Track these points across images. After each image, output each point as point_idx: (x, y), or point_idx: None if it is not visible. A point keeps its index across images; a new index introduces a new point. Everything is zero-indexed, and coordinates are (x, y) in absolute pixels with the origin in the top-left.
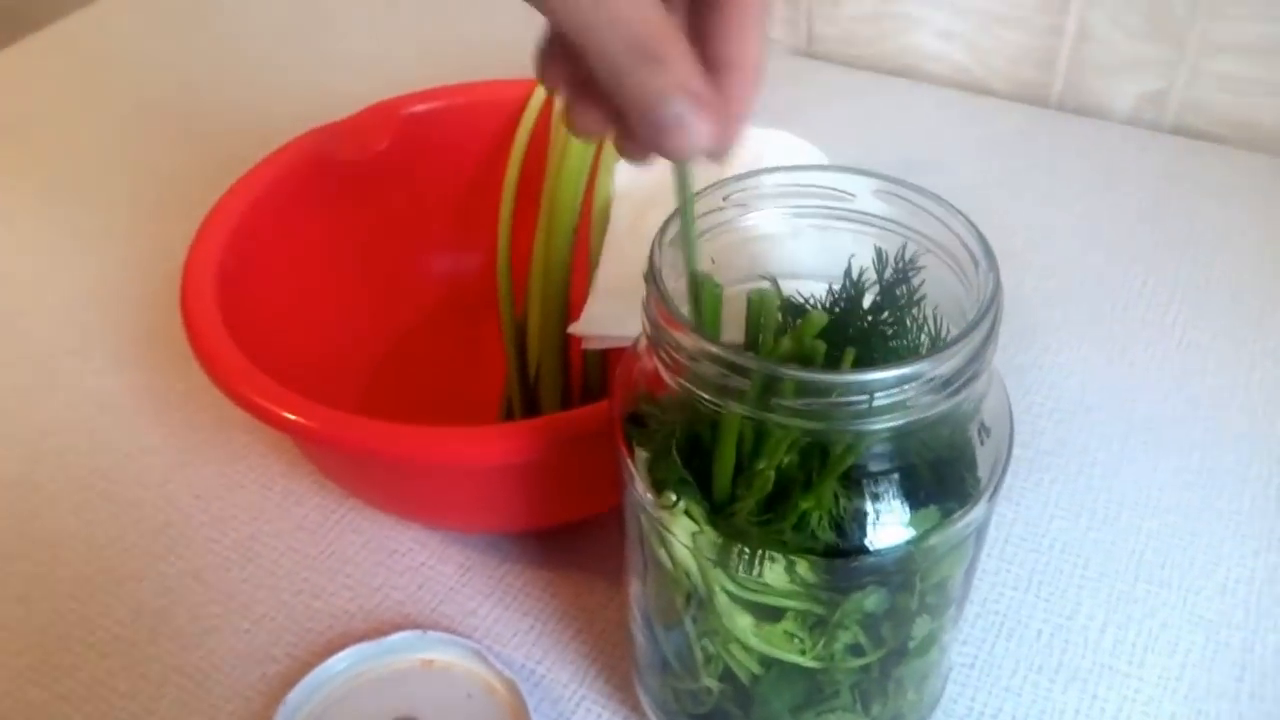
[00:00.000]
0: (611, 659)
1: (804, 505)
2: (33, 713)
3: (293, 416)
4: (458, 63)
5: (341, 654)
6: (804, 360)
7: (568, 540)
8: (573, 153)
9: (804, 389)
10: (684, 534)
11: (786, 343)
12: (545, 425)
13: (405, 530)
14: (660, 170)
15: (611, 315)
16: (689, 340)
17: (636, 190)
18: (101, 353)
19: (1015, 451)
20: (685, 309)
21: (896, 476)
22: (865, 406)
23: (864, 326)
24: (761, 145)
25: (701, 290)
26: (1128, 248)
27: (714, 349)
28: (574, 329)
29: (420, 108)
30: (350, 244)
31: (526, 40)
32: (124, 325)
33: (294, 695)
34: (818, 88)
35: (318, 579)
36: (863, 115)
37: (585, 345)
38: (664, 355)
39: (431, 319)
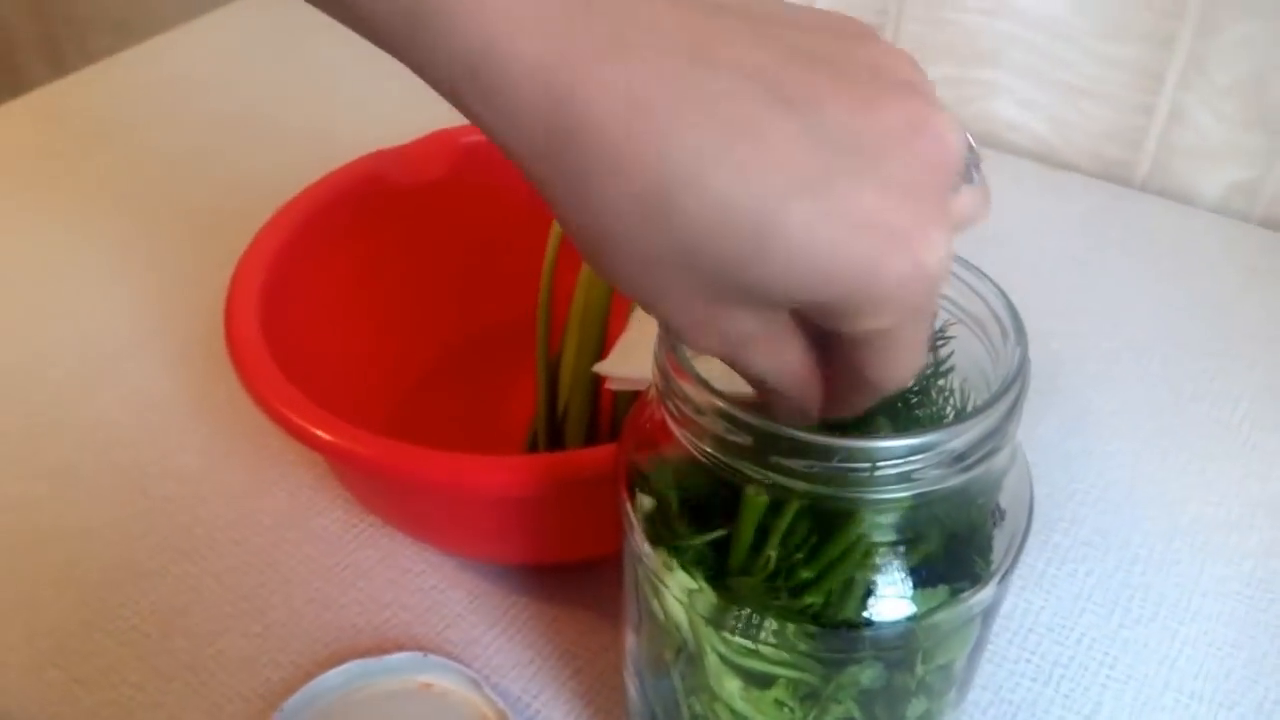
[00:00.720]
0: (607, 703)
1: (805, 576)
2: (48, 692)
3: (318, 431)
4: None
5: (341, 667)
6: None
7: (578, 579)
8: None
9: (805, 451)
10: (679, 590)
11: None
12: (551, 461)
13: (421, 552)
14: None
15: (639, 357)
16: (696, 393)
17: None
18: (155, 354)
19: (1053, 538)
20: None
21: (905, 549)
22: (868, 474)
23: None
24: None
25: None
26: (1200, 340)
27: (719, 403)
28: (599, 367)
29: (479, 138)
30: (396, 267)
31: None
32: (179, 330)
33: (290, 703)
34: None
35: (330, 590)
36: None
37: (609, 385)
38: (672, 408)
39: (469, 348)
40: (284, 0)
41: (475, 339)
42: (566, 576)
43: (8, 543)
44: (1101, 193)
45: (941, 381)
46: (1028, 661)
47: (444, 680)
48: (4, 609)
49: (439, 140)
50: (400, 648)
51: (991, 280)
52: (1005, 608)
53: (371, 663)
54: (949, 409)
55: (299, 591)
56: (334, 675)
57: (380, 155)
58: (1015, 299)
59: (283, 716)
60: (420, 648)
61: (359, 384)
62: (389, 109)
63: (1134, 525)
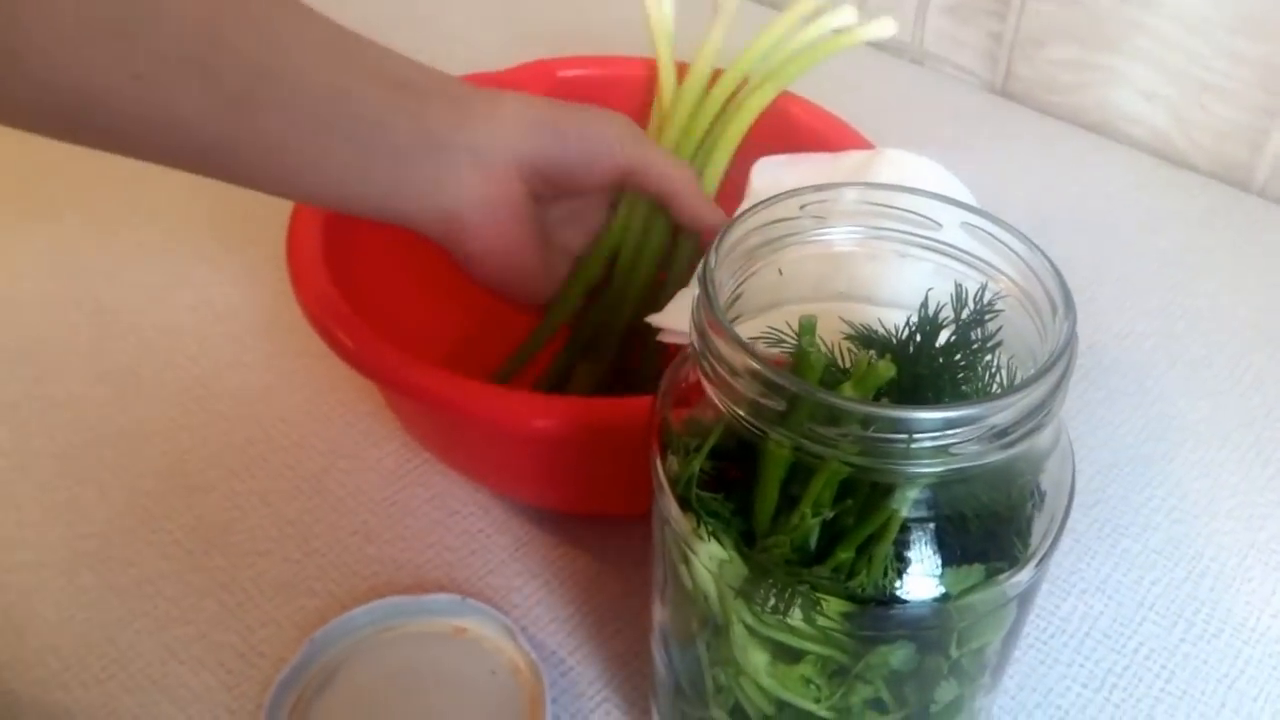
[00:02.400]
0: (643, 667)
1: (842, 555)
2: (79, 596)
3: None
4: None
5: (377, 603)
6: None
7: (625, 535)
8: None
9: (841, 418)
10: (707, 557)
11: (848, 387)
12: (593, 406)
13: (472, 495)
14: (794, 182)
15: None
16: (732, 353)
17: (768, 194)
18: (227, 266)
19: (1122, 542)
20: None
21: (943, 528)
22: (905, 446)
23: (935, 365)
24: (904, 170)
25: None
26: None
27: (756, 365)
28: (654, 319)
29: (572, 72)
30: None
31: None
32: (254, 244)
33: (321, 633)
34: (1005, 128)
35: (376, 524)
36: (1047, 165)
37: (662, 337)
38: (707, 368)
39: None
40: None
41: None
42: (613, 531)
43: (61, 440)
44: (1217, 194)
45: (989, 358)
46: (1081, 666)
47: (478, 626)
48: (50, 507)
49: (536, 70)
50: (440, 589)
51: (1043, 253)
52: (1064, 610)
53: (407, 601)
54: (995, 385)
55: (345, 521)
56: (369, 610)
57: (478, 79)
58: (1113, 293)
59: (313, 646)
60: (459, 591)
61: (416, 322)
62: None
63: (1208, 538)
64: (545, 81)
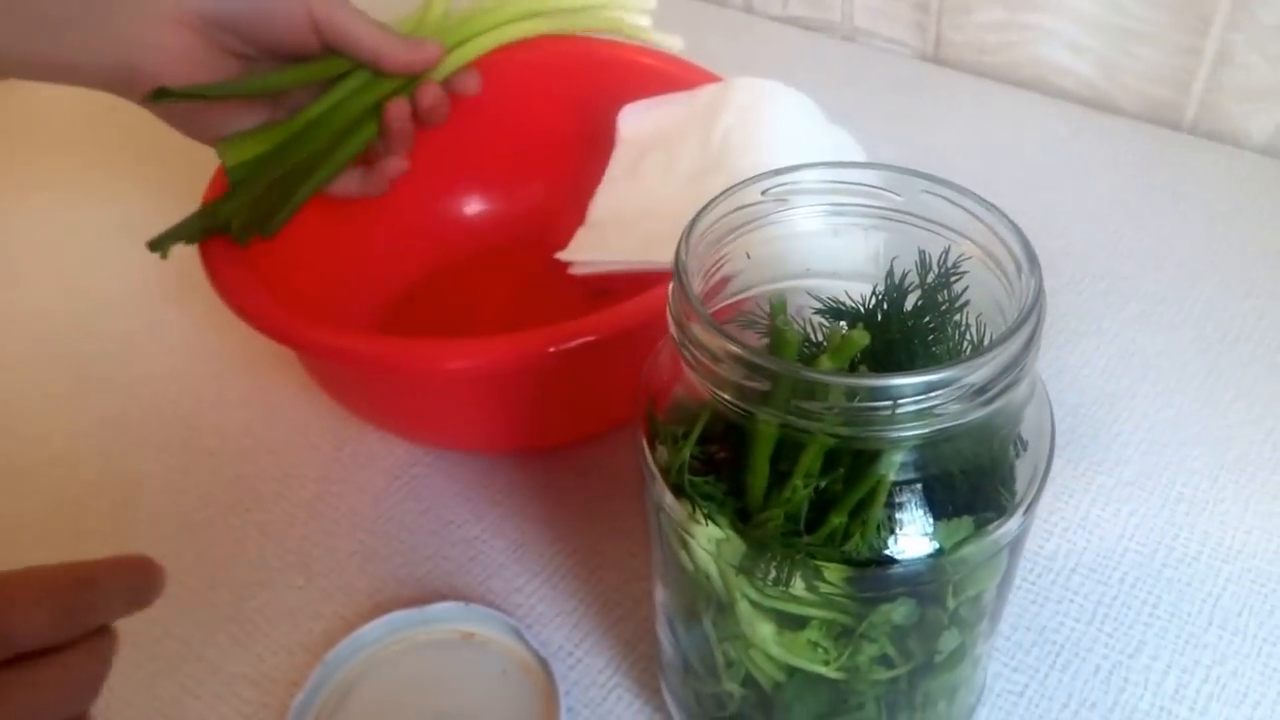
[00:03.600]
0: (650, 650)
1: (836, 521)
2: None
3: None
4: None
5: (384, 618)
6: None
7: (621, 525)
8: None
9: (826, 393)
10: (706, 539)
11: (825, 360)
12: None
13: (464, 503)
14: (656, 122)
15: (598, 243)
16: (712, 340)
17: (638, 139)
18: (197, 309)
19: (1097, 479)
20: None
21: (932, 485)
22: (889, 413)
23: (904, 330)
24: (755, 95)
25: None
26: (1245, 281)
27: (736, 349)
28: (562, 254)
29: None
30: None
31: None
32: None
33: (332, 655)
34: (941, 94)
35: (373, 542)
36: (984, 124)
37: (571, 270)
38: (688, 356)
39: (446, 266)
40: None
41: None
42: (608, 525)
43: (55, 496)
44: (1149, 136)
45: (957, 318)
46: (1070, 601)
47: (486, 629)
48: (51, 561)
49: None
50: (442, 598)
51: (1004, 214)
52: (1049, 549)
53: (413, 613)
54: (965, 344)
55: (342, 544)
56: (376, 626)
57: None
58: (1060, 242)
59: (326, 668)
60: (462, 598)
61: (340, 304)
62: None
63: (1179, 465)
64: None
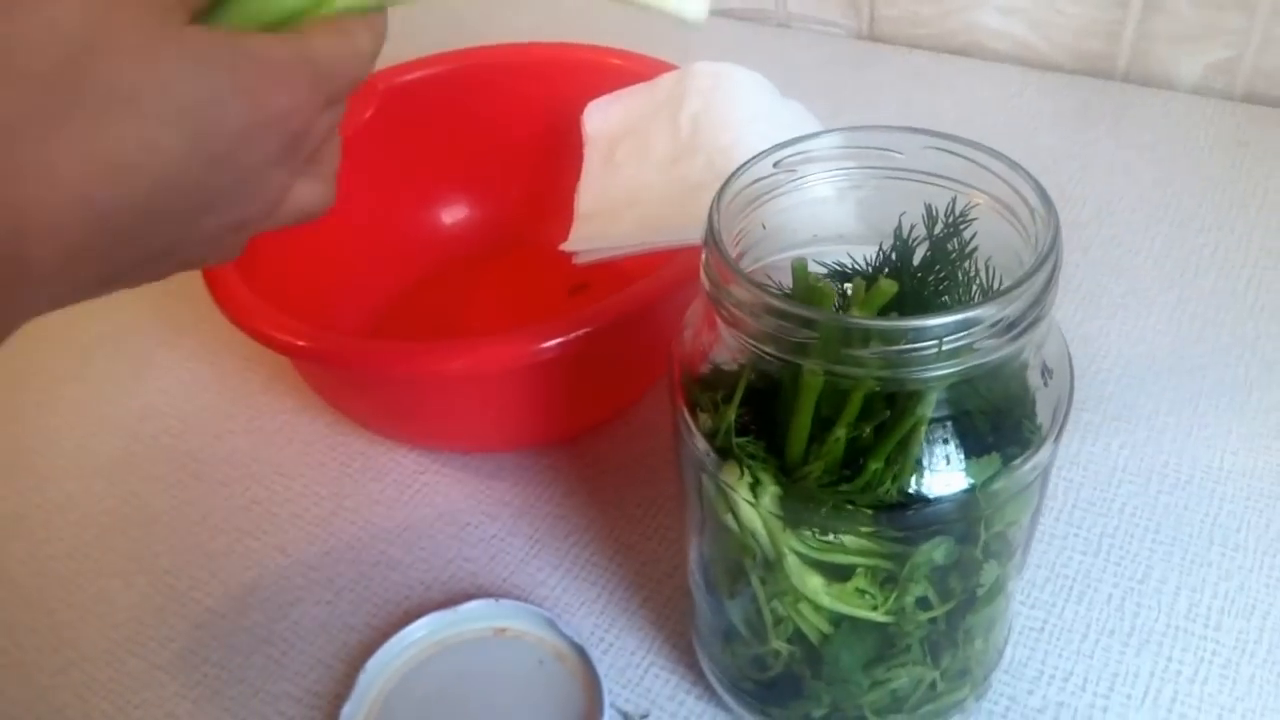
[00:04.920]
0: (679, 626)
1: (874, 466)
2: (132, 682)
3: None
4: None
5: (419, 622)
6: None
7: (634, 510)
8: None
9: (874, 338)
10: (757, 498)
11: (856, 310)
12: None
13: (477, 504)
14: (622, 114)
15: (596, 233)
16: (752, 296)
17: (605, 133)
18: (190, 343)
19: (1083, 416)
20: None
21: (961, 425)
22: (935, 351)
23: (915, 281)
24: (714, 79)
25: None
26: (1198, 215)
27: (779, 303)
28: (565, 246)
29: (399, 79)
30: (347, 210)
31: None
32: (209, 318)
33: (373, 662)
34: (879, 70)
35: (394, 552)
36: (925, 94)
37: (576, 260)
38: (725, 313)
39: (428, 275)
40: None
41: (433, 263)
42: (622, 512)
43: (74, 539)
44: (1085, 88)
45: (965, 264)
46: (1075, 536)
47: (518, 624)
48: (78, 604)
49: (361, 87)
50: (470, 598)
51: (1015, 161)
52: (1048, 487)
53: (446, 614)
54: (975, 289)
55: (364, 556)
56: (411, 630)
57: None
58: None
59: (367, 676)
60: (490, 596)
61: (330, 315)
62: None
63: (1159, 396)
64: (372, 94)
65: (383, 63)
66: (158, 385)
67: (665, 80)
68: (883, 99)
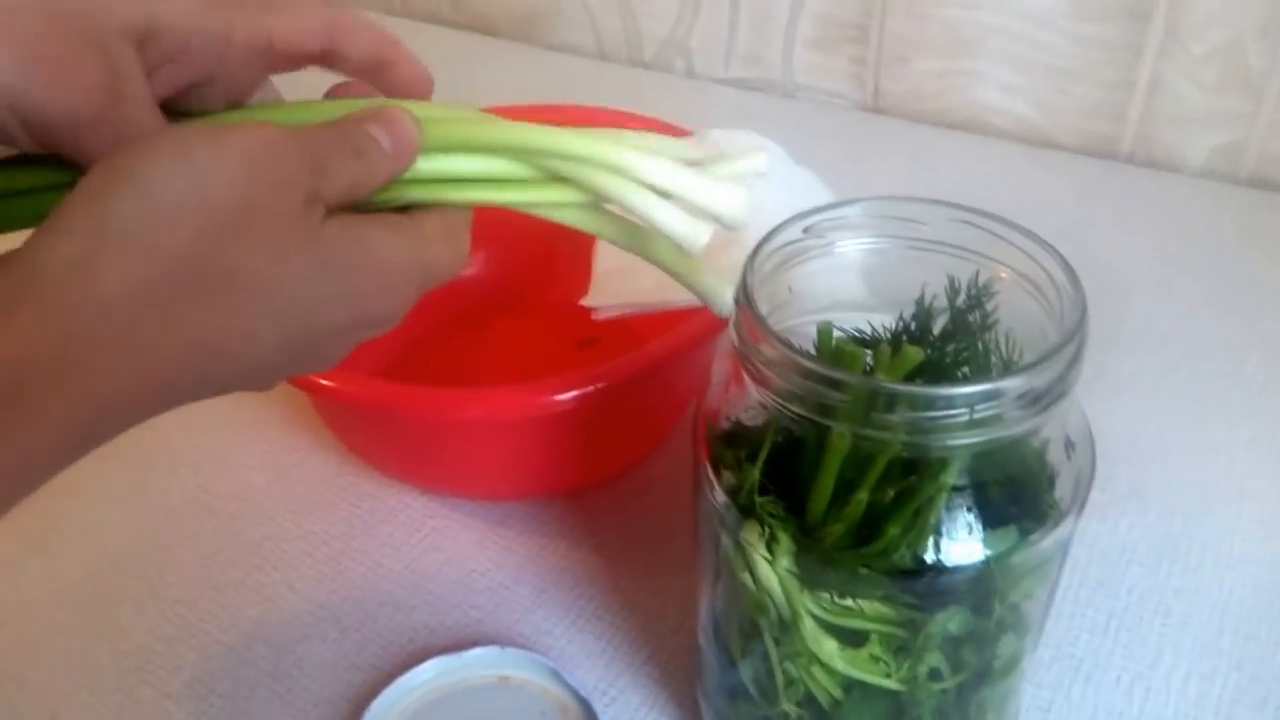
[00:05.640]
0: (684, 683)
1: (893, 531)
2: (140, 708)
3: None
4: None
5: (425, 665)
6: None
7: (641, 565)
8: None
9: (902, 403)
10: (776, 558)
11: (881, 375)
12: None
13: (484, 551)
14: None
15: (616, 289)
16: (782, 355)
17: None
18: None
19: (1092, 494)
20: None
21: (981, 495)
22: (962, 420)
23: (935, 350)
24: (729, 145)
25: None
26: (1203, 299)
27: (810, 364)
28: (585, 300)
29: None
30: None
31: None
32: None
33: (378, 703)
34: (882, 142)
35: (401, 594)
36: (927, 169)
37: (596, 315)
38: (753, 370)
39: (438, 326)
40: None
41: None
42: (628, 564)
43: (88, 564)
44: (1090, 167)
45: (987, 336)
46: (1083, 615)
47: (523, 672)
48: (90, 631)
49: None
50: (475, 644)
51: (1045, 242)
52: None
53: (451, 659)
54: (994, 361)
55: (371, 597)
56: (417, 673)
57: None
58: None
59: (371, 717)
60: (495, 643)
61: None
62: None
63: (1168, 478)
64: None
65: None
66: (174, 418)
67: None
68: (886, 171)
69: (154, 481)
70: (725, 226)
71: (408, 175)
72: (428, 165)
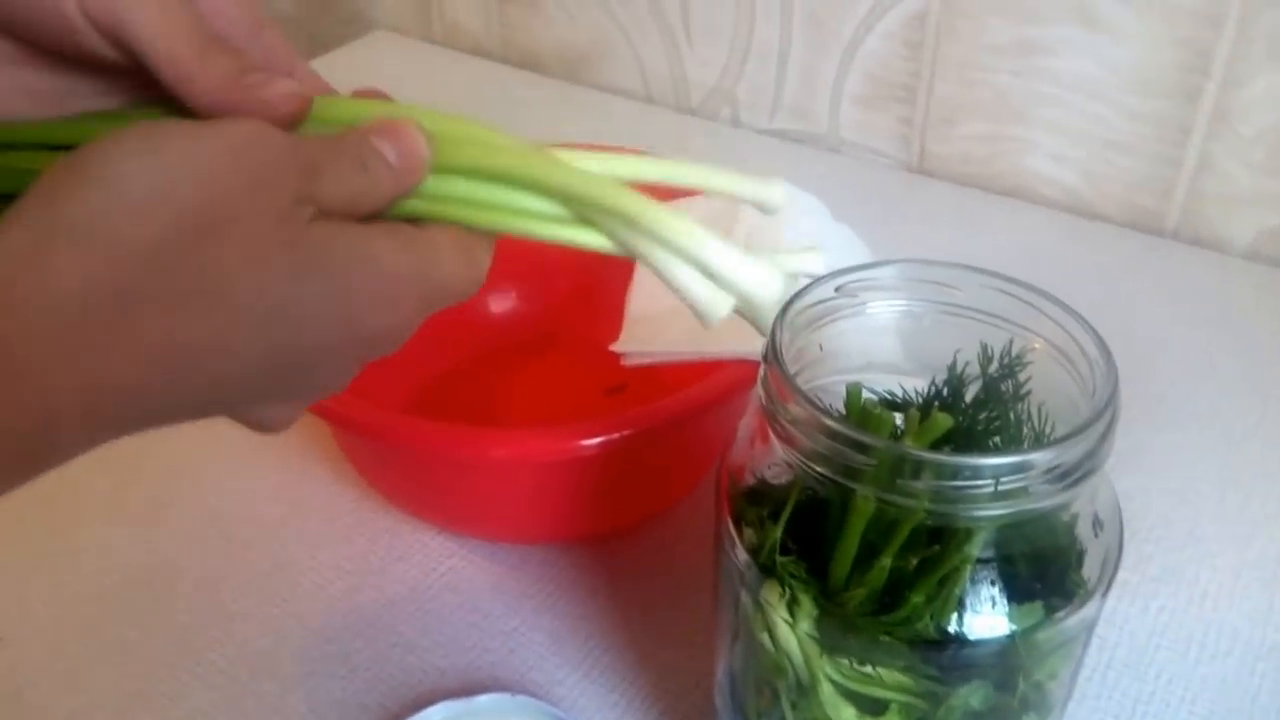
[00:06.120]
0: None
1: (915, 600)
2: None
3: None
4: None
5: (433, 708)
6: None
7: (658, 619)
8: None
9: (928, 470)
10: (795, 620)
11: (909, 440)
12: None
13: (499, 595)
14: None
15: (647, 336)
16: (810, 416)
17: None
18: None
19: (1121, 574)
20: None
21: (1007, 569)
22: (989, 491)
23: (966, 418)
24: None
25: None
26: (1245, 381)
27: (838, 426)
28: (615, 346)
29: None
30: None
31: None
32: None
33: None
34: (925, 204)
35: (413, 634)
36: (971, 233)
37: (625, 362)
38: (780, 429)
39: (468, 360)
40: None
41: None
42: (644, 618)
43: (96, 585)
44: (1133, 241)
45: (1019, 407)
46: (1108, 698)
47: None
48: (95, 652)
49: None
50: (485, 690)
51: (1078, 314)
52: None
53: (460, 704)
54: (1025, 432)
55: (382, 635)
56: (424, 717)
57: None
58: None
59: None
60: (505, 689)
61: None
62: None
63: (1201, 561)
64: None
65: None
66: (192, 440)
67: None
68: (929, 232)
69: (169, 503)
70: (750, 308)
71: (424, 190)
72: (444, 187)
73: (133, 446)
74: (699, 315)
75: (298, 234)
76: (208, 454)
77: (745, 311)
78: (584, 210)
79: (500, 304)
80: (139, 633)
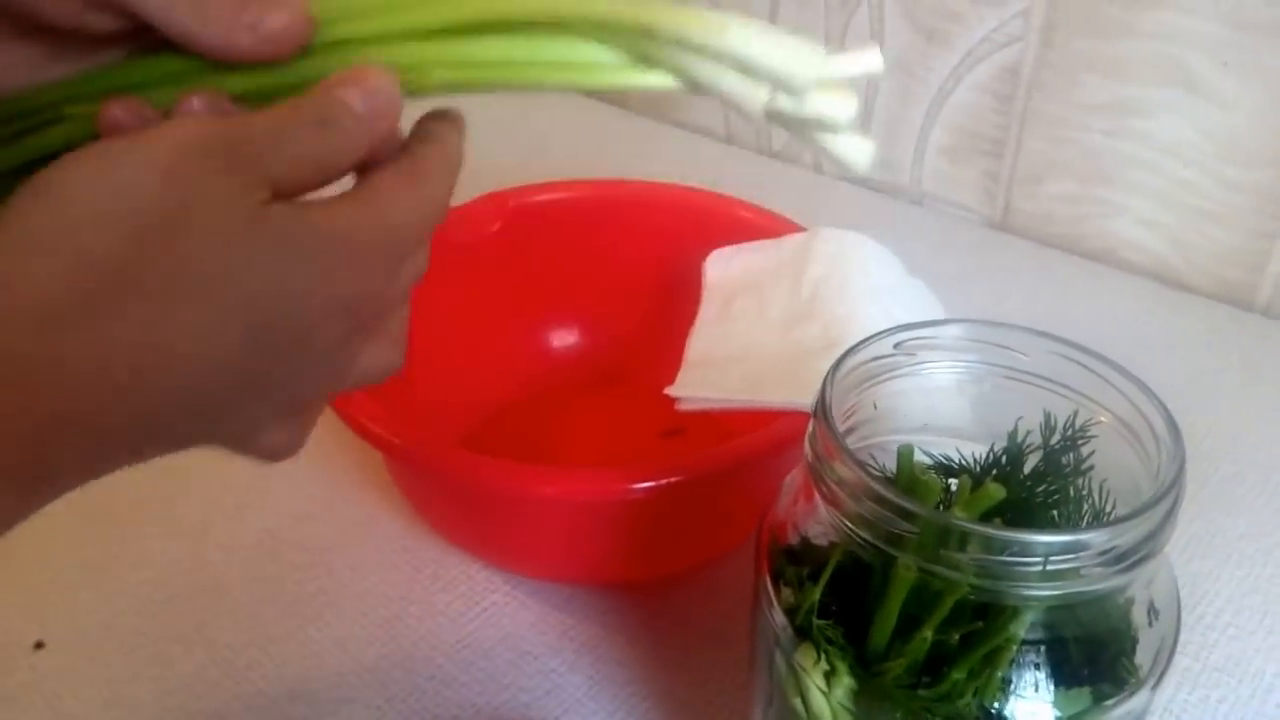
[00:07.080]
0: None
1: (956, 676)
2: None
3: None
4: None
5: None
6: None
7: (698, 671)
8: None
9: (974, 542)
10: (824, 684)
11: (957, 510)
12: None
13: (541, 634)
14: (744, 268)
15: (703, 381)
16: (856, 477)
17: (724, 284)
18: None
19: (1182, 661)
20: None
21: (1055, 651)
22: (1037, 570)
23: (1024, 489)
24: (840, 246)
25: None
26: None
27: (886, 491)
28: (670, 390)
29: (529, 199)
30: (459, 317)
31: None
32: None
33: None
34: (1008, 262)
35: (451, 668)
36: (1050, 295)
37: (679, 406)
38: (826, 492)
39: (526, 396)
40: None
41: (538, 382)
42: (684, 670)
43: (143, 598)
44: (1222, 314)
45: (1079, 481)
46: None
47: None
48: (136, 665)
49: (490, 201)
50: None
51: (1144, 383)
52: None
53: None
54: (1085, 508)
55: (420, 667)
56: None
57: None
58: None
59: None
60: None
61: (427, 423)
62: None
63: (1268, 653)
64: (501, 209)
65: (516, 175)
66: (244, 460)
67: (791, 240)
68: (1008, 292)
69: (218, 521)
70: (790, 92)
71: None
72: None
73: (187, 462)
74: (740, 111)
75: (262, 216)
76: (261, 473)
77: (786, 108)
78: (604, 37)
79: (562, 340)
80: (181, 648)
